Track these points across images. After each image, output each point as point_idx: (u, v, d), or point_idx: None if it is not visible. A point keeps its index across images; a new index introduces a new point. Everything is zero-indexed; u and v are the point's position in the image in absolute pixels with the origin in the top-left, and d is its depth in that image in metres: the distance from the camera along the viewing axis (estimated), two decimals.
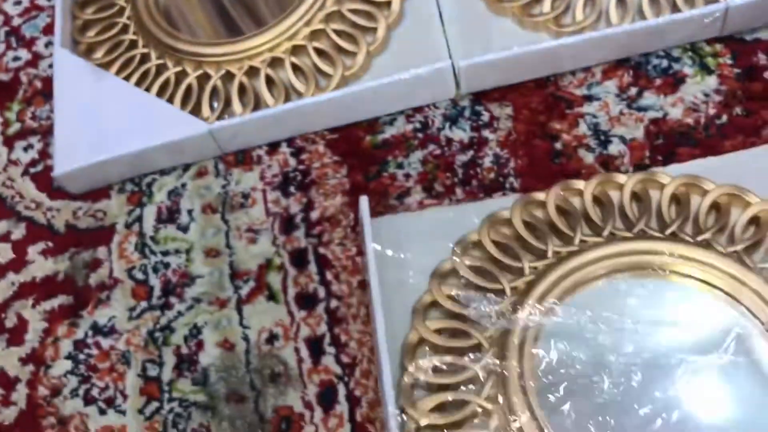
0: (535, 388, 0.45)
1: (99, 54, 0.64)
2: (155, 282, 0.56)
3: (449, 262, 0.50)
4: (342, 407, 0.50)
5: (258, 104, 0.59)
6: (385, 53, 0.60)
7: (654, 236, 0.49)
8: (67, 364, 0.54)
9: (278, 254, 0.55)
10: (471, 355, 0.47)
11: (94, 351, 0.54)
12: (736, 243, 0.48)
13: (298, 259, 0.55)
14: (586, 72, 0.57)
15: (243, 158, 0.59)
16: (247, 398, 0.51)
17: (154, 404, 0.52)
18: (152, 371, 0.53)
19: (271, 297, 0.54)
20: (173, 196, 0.59)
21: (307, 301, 0.53)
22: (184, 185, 0.59)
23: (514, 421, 0.44)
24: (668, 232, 0.49)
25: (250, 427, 0.50)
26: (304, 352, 0.52)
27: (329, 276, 0.54)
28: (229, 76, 0.60)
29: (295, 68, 0.59)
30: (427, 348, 0.48)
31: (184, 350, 0.53)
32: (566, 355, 0.46)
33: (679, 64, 0.56)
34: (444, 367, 0.47)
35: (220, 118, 0.58)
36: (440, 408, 0.46)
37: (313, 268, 0.54)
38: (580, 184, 0.52)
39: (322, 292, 0.53)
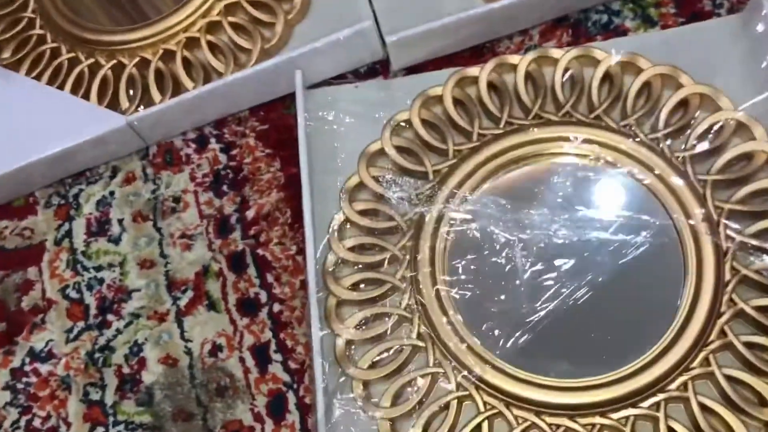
0: (444, 267, 0.46)
1: (6, 54, 0.60)
2: (90, 300, 0.53)
3: (378, 142, 0.49)
4: (293, 416, 0.47)
5: (178, 89, 0.55)
6: (305, 21, 0.56)
7: (581, 121, 0.47)
8: (6, 395, 0.51)
9: (215, 259, 0.52)
10: (391, 237, 0.48)
11: (33, 379, 0.51)
12: (659, 130, 0.47)
13: (237, 262, 0.52)
14: (523, 35, 0.53)
15: (171, 159, 0.56)
16: (195, 415, 0.49)
17: (100, 430, 0.49)
18: (95, 395, 0.50)
19: (212, 306, 0.51)
20: (102, 207, 0.56)
21: (248, 307, 0.51)
22: (112, 193, 0.56)
23: (424, 298, 0.45)
24: (593, 115, 0.47)
25: None
26: (250, 362, 0.49)
27: (270, 278, 0.51)
28: (144, 63, 0.56)
29: (212, 47, 0.55)
30: (350, 228, 0.49)
31: (126, 370, 0.51)
32: (478, 237, 0.46)
33: (619, 17, 0.53)
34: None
35: (140, 108, 0.55)
36: (359, 285, 0.47)
37: (252, 271, 0.51)
38: (515, 59, 0.50)
39: (263, 297, 0.51)
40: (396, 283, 0.46)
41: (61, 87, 0.57)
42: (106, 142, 0.54)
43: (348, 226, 0.49)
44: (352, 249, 0.48)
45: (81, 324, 0.53)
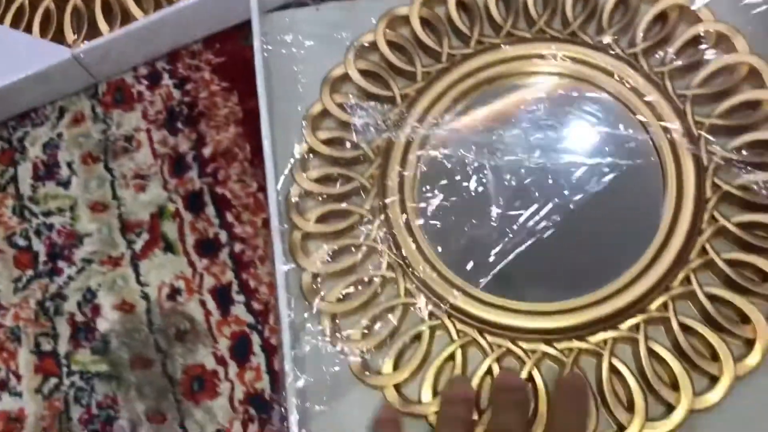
0: (414, 195, 0.44)
1: None
2: (40, 247, 0.50)
3: (342, 66, 0.47)
4: (258, 358, 0.45)
5: (127, 19, 0.51)
6: None
7: (556, 37, 0.45)
8: None
9: (171, 200, 0.49)
10: (358, 166, 0.45)
11: None
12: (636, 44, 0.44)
13: (194, 202, 0.49)
14: None
15: (122, 97, 0.52)
16: (154, 362, 0.46)
17: (53, 381, 0.47)
18: (46, 345, 0.47)
19: (168, 248, 0.48)
20: (49, 149, 0.52)
21: (208, 247, 0.48)
22: (60, 135, 0.52)
23: (393, 228, 0.43)
24: (568, 31, 0.45)
25: (159, 392, 0.45)
26: (211, 304, 0.46)
27: (230, 218, 0.48)
28: None
29: None
30: (314, 158, 0.46)
31: (80, 318, 0.48)
32: (448, 163, 0.44)
33: None
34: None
35: (87, 41, 0.51)
36: (325, 218, 0.45)
37: (211, 210, 0.48)
38: None
39: (223, 237, 0.48)
40: (364, 214, 0.44)
41: None
42: (51, 78, 0.51)
43: (312, 156, 0.46)
44: (316, 180, 0.45)
45: (30, 272, 0.49)
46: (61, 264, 0.49)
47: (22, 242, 0.50)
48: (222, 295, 0.47)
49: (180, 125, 0.51)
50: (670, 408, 0.38)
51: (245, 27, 0.51)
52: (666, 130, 0.42)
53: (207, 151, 0.50)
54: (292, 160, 0.46)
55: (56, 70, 0.50)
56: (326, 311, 0.42)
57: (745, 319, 0.39)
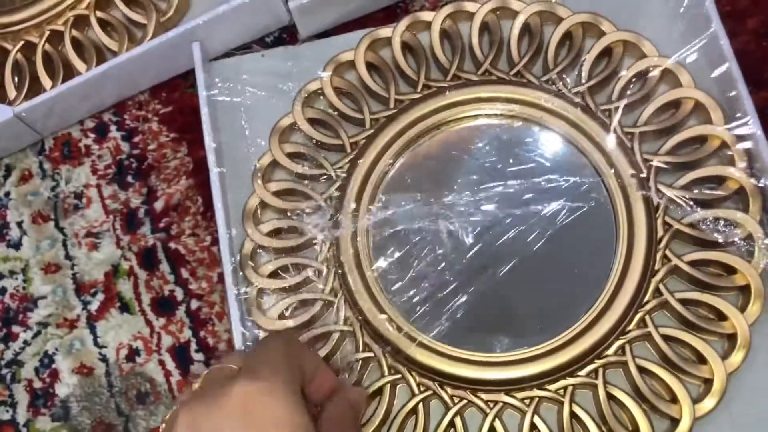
0: (368, 254, 0.43)
1: None
2: None
3: (290, 116, 0.46)
4: None
5: (70, 73, 0.50)
6: None
7: (502, 79, 0.45)
8: None
9: (125, 257, 0.48)
10: (311, 218, 0.44)
11: None
12: (582, 83, 0.44)
13: (148, 259, 0.48)
14: None
15: (70, 152, 0.51)
16: (116, 426, 0.45)
17: None
18: (5, 414, 0.47)
19: (125, 308, 0.47)
20: None
21: (164, 306, 0.47)
22: (7, 194, 0.51)
23: (348, 281, 0.42)
24: (513, 71, 0.45)
25: None
26: (170, 364, 0.46)
27: (185, 273, 0.47)
28: (30, 47, 0.51)
29: (104, 24, 0.51)
30: (266, 211, 0.45)
31: (38, 384, 0.47)
32: (401, 210, 0.44)
33: None
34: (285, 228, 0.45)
35: (29, 97, 0.50)
36: (279, 272, 0.44)
37: (165, 267, 0.48)
38: (428, 15, 0.47)
39: (180, 294, 0.47)
40: (318, 267, 0.43)
41: None
42: None
43: (264, 209, 0.45)
44: (269, 234, 0.45)
45: None
46: (15, 329, 0.48)
47: None
48: (181, 354, 0.46)
49: (130, 179, 0.50)
50: None
51: (190, 75, 0.50)
52: (615, 170, 0.42)
53: (159, 205, 0.49)
54: (243, 215, 0.45)
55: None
56: None
57: (701, 359, 0.39)
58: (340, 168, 0.45)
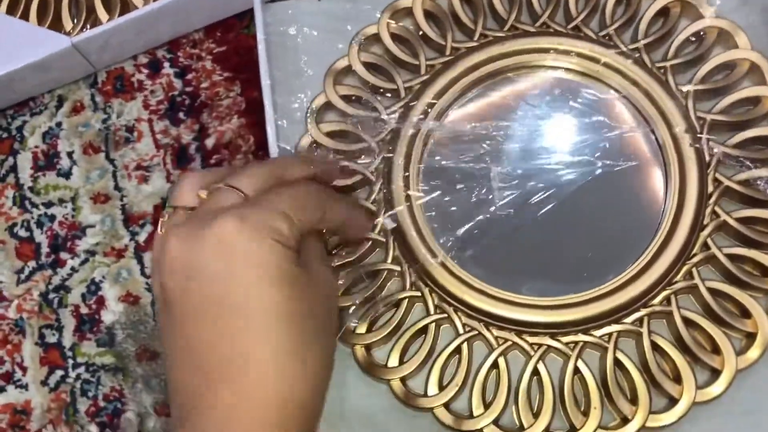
0: (417, 187, 0.43)
1: None
2: (42, 238, 0.50)
3: (345, 59, 0.47)
4: None
5: (126, 8, 0.50)
6: None
7: (559, 32, 0.45)
8: None
9: None
10: (362, 159, 0.45)
11: None
12: (638, 39, 0.45)
13: None
14: None
15: (122, 86, 0.52)
16: (160, 354, 0.46)
17: (59, 373, 0.47)
18: (51, 337, 0.48)
19: None
20: (49, 139, 0.52)
21: None
22: (59, 125, 0.52)
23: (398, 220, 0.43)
24: (571, 26, 0.45)
25: (167, 386, 0.46)
26: None
27: None
28: None
29: None
30: (319, 152, 0.46)
31: (84, 310, 0.48)
32: (452, 156, 0.44)
33: None
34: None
35: (85, 28, 0.50)
36: None
37: None
38: None
39: None
40: (369, 206, 0.44)
41: None
42: (49, 67, 0.50)
43: (316, 149, 0.46)
44: None
45: (32, 264, 0.49)
46: (64, 255, 0.49)
47: (23, 233, 0.50)
48: None
49: (182, 115, 0.51)
50: (672, 400, 0.39)
51: (246, 16, 0.51)
52: (669, 125, 0.43)
53: (210, 142, 0.50)
54: (295, 153, 0.46)
55: (55, 58, 0.50)
56: None
57: (745, 313, 0.40)
58: (393, 112, 0.46)
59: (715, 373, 0.39)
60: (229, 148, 0.49)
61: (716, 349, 0.39)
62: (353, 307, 0.42)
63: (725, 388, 0.38)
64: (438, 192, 0.44)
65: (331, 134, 0.46)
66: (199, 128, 0.50)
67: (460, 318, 0.42)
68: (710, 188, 0.42)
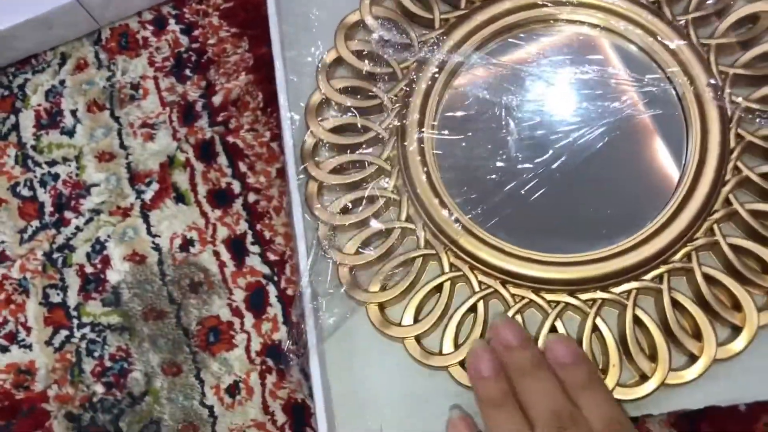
0: (431, 146, 0.42)
1: None
2: (45, 197, 0.49)
3: (356, 13, 0.45)
4: (274, 309, 0.45)
5: None
6: None
7: None
8: None
9: (181, 149, 0.48)
10: (373, 116, 0.44)
11: None
12: None
13: (205, 151, 0.48)
14: None
15: (127, 43, 0.51)
16: (167, 313, 0.45)
17: (63, 333, 0.46)
18: (56, 297, 0.47)
19: (180, 198, 0.47)
20: (52, 96, 0.51)
21: (221, 198, 0.47)
22: (62, 82, 0.51)
23: (412, 178, 0.42)
24: None
25: (174, 344, 0.45)
26: (225, 255, 0.46)
27: (243, 167, 0.47)
28: None
29: None
30: (332, 108, 0.45)
31: (89, 269, 0.47)
32: (468, 107, 0.43)
33: None
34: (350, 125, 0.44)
35: None
36: (342, 169, 0.44)
37: (223, 160, 0.47)
38: None
39: (237, 187, 0.47)
40: (381, 164, 0.43)
41: None
42: (52, 22, 0.49)
43: (327, 105, 0.45)
44: (332, 130, 0.44)
45: (36, 223, 0.48)
46: (68, 214, 0.48)
47: (26, 192, 0.49)
48: (236, 246, 0.46)
49: (188, 72, 0.49)
50: (692, 358, 0.38)
51: None
52: (690, 79, 0.42)
53: (217, 100, 0.49)
54: (306, 110, 0.44)
55: (58, 13, 0.48)
56: (344, 263, 0.42)
57: (767, 270, 0.39)
58: (407, 68, 0.44)
59: (736, 330, 0.38)
60: (237, 105, 0.48)
61: (737, 306, 0.39)
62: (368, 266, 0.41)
63: (746, 345, 0.38)
64: (452, 152, 0.43)
65: (342, 90, 0.45)
66: (206, 85, 0.49)
67: (475, 276, 0.41)
68: (732, 143, 0.41)
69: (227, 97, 0.49)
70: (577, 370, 0.37)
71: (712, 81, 0.41)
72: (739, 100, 0.41)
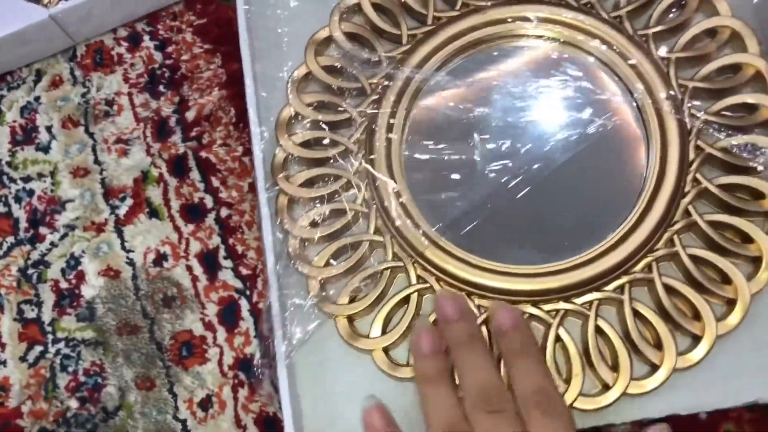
0: (399, 158, 0.43)
1: None
2: (20, 213, 0.49)
3: (326, 29, 0.46)
4: (247, 323, 0.45)
5: None
6: None
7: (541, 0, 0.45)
8: None
9: (155, 164, 0.49)
10: (343, 130, 0.45)
11: None
12: (620, 7, 0.44)
13: (178, 167, 0.48)
14: None
15: (101, 59, 0.51)
16: (141, 328, 0.46)
17: (38, 349, 0.46)
18: (30, 313, 0.47)
19: (153, 213, 0.48)
20: (27, 113, 0.51)
21: (194, 212, 0.47)
22: (37, 99, 0.51)
23: (380, 191, 0.42)
24: None
25: (147, 359, 0.45)
26: (198, 270, 0.46)
27: (215, 182, 0.48)
28: None
29: None
30: (301, 122, 0.45)
31: (64, 284, 0.47)
32: (435, 122, 0.44)
33: None
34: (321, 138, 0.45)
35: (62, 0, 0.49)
36: (312, 183, 0.44)
37: (196, 175, 0.48)
38: None
39: (209, 201, 0.48)
40: (350, 178, 0.44)
41: None
42: (27, 39, 0.49)
43: (297, 119, 0.46)
44: (302, 144, 0.45)
45: (11, 239, 0.49)
46: (43, 230, 0.49)
47: (1, 208, 0.49)
48: (209, 260, 0.46)
49: (162, 88, 0.50)
50: (654, 367, 0.39)
51: None
52: (650, 93, 0.42)
53: (190, 115, 0.49)
54: (277, 124, 0.45)
55: (33, 30, 0.49)
56: (313, 276, 0.42)
57: (726, 280, 0.40)
58: (375, 83, 0.45)
59: (696, 340, 0.39)
60: (210, 120, 0.49)
61: (697, 316, 0.39)
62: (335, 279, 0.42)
63: (705, 354, 0.38)
64: (419, 163, 0.43)
65: (312, 105, 0.45)
66: (180, 101, 0.50)
67: (442, 287, 0.41)
68: (692, 155, 0.42)
69: (200, 112, 0.49)
70: (514, 337, 0.38)
71: (672, 93, 0.42)
72: (700, 114, 0.42)
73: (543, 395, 0.36)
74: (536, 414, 0.35)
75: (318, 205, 0.44)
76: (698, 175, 0.41)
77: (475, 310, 0.41)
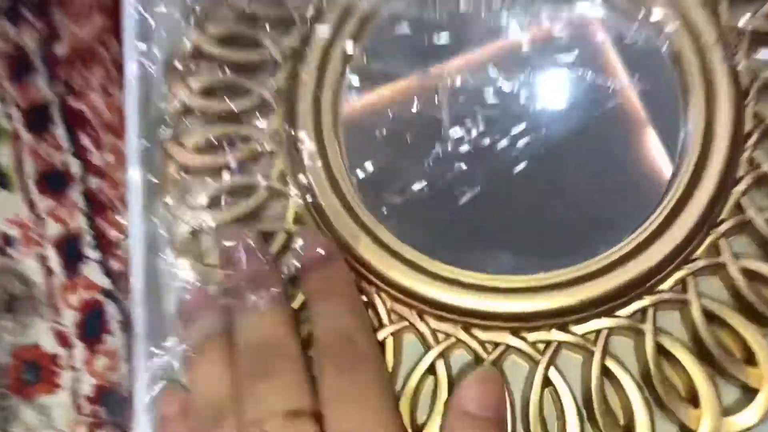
0: (335, 124, 0.32)
1: None
2: None
3: None
4: (115, 339, 0.34)
5: None
6: None
7: None
8: None
9: (8, 115, 0.37)
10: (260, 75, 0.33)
11: None
12: None
13: (39, 119, 0.37)
14: None
15: None
16: None
17: None
18: None
19: (1, 181, 0.36)
20: None
21: (54, 181, 0.36)
22: None
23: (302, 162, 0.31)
24: None
25: None
26: (54, 260, 0.35)
27: (85, 141, 0.36)
28: None
29: None
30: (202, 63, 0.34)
31: None
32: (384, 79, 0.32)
33: None
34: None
35: None
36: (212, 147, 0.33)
37: (60, 131, 0.36)
38: None
39: (76, 167, 0.36)
40: (266, 141, 0.32)
41: None
42: None
43: (198, 60, 0.34)
44: (202, 93, 0.33)
45: None
46: None
47: None
48: (70, 248, 0.35)
49: (25, 12, 0.38)
50: (684, 429, 0.27)
51: None
52: (692, 32, 0.30)
53: (61, 50, 0.37)
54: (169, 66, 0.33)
55: None
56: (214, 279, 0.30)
57: None
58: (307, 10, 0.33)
59: (749, 392, 0.27)
60: (85, 57, 0.37)
61: (750, 358, 0.27)
62: None
63: (763, 416, 0.27)
64: (363, 141, 0.31)
65: (220, 39, 0.33)
66: (48, 31, 0.38)
67: (384, 302, 0.29)
68: (748, 126, 0.30)
69: (74, 46, 0.37)
70: (320, 273, 0.29)
71: (723, 38, 0.30)
72: (760, 66, 0.30)
73: (342, 344, 0.27)
74: (329, 371, 0.26)
75: (216, 180, 0.32)
76: (757, 155, 0.29)
77: (430, 337, 0.29)
